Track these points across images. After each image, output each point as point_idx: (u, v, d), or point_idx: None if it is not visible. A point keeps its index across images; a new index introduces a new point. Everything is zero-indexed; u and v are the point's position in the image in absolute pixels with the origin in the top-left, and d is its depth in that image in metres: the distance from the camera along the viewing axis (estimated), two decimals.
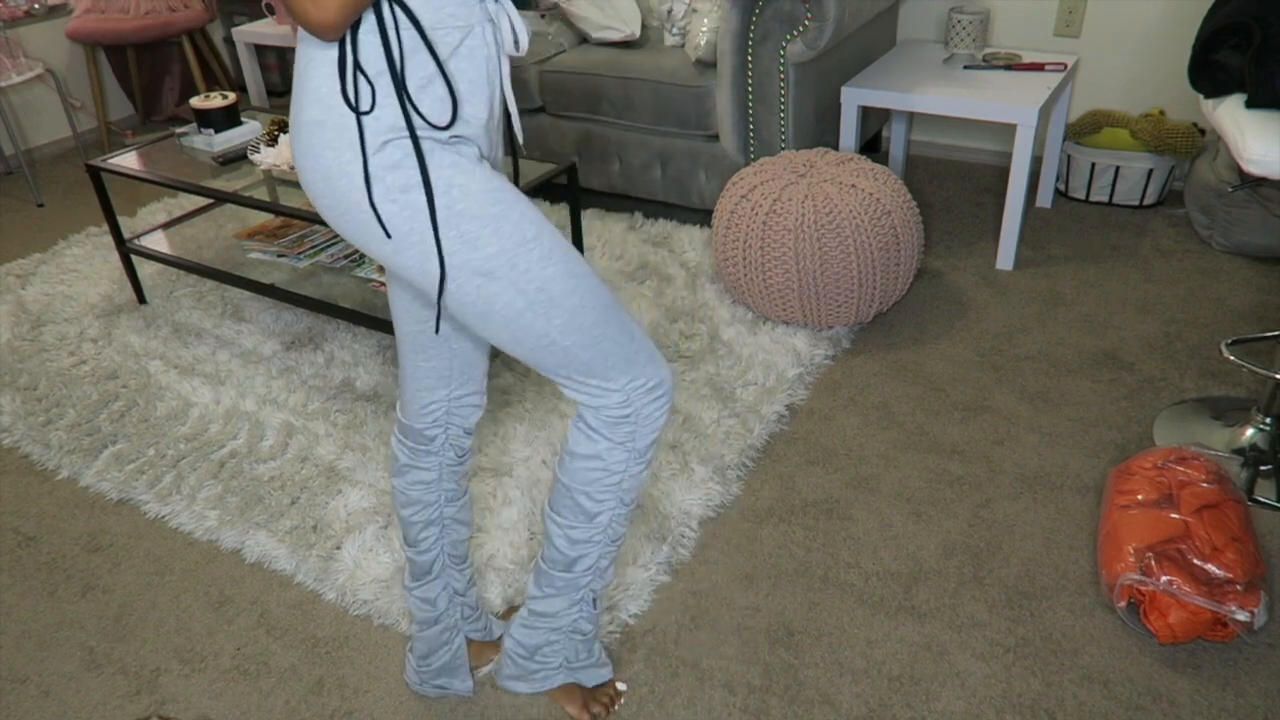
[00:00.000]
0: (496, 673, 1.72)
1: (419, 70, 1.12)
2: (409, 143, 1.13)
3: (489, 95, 1.20)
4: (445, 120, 1.15)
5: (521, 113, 3.42)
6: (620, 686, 1.77)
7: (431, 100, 1.14)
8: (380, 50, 1.10)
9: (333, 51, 1.10)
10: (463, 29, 1.14)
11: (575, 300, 1.26)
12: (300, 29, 1.11)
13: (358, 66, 1.10)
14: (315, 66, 1.12)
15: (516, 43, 1.23)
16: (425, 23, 1.11)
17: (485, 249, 1.19)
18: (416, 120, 1.13)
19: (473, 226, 1.18)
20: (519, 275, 1.22)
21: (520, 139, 1.35)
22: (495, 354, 2.72)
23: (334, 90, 1.11)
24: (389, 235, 1.17)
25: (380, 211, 1.16)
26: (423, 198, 1.16)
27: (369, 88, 1.11)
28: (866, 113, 3.38)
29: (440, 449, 1.56)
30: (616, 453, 1.40)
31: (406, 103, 1.12)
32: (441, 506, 1.62)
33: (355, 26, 1.09)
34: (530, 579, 1.58)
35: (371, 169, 1.14)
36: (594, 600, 1.59)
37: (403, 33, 1.10)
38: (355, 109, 1.11)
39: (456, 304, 1.24)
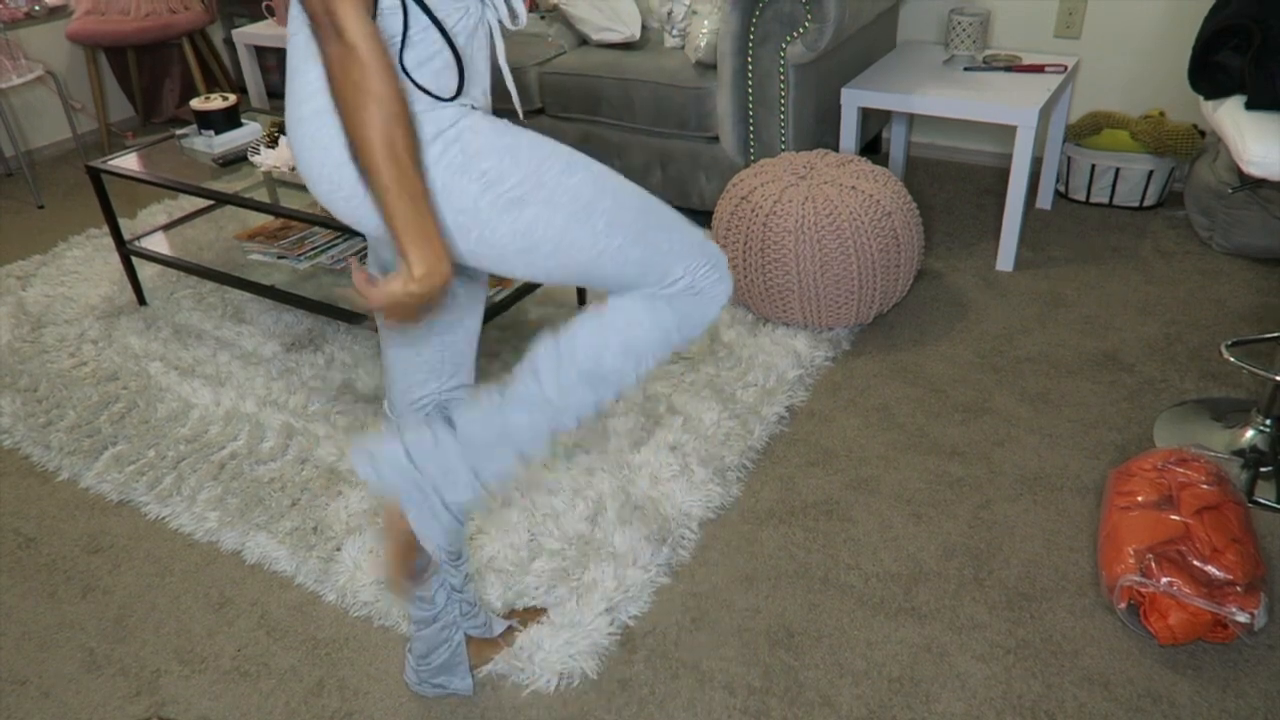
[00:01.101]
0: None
1: (427, 47, 1.14)
2: (419, 116, 1.14)
3: (486, 72, 1.24)
4: (451, 91, 1.16)
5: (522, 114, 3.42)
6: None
7: (434, 73, 1.15)
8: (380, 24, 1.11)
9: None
10: (461, 8, 1.16)
11: (610, 200, 1.23)
12: (295, 24, 1.11)
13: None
14: (309, 56, 1.12)
15: (515, 16, 1.24)
16: (429, 1, 1.12)
17: (509, 179, 1.18)
18: (424, 96, 1.14)
19: (490, 162, 1.17)
20: (548, 192, 1.19)
21: (520, 111, 1.38)
22: (492, 353, 2.72)
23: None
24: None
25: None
26: (439, 153, 1.15)
27: None
28: (867, 114, 3.38)
29: None
30: (665, 313, 1.29)
31: (411, 80, 1.14)
32: None
33: None
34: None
35: None
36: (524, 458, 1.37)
37: (410, 14, 1.11)
38: None
39: (496, 253, 1.20)
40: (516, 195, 1.18)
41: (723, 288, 1.31)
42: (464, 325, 1.47)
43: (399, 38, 1.12)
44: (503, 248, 1.20)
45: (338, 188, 1.17)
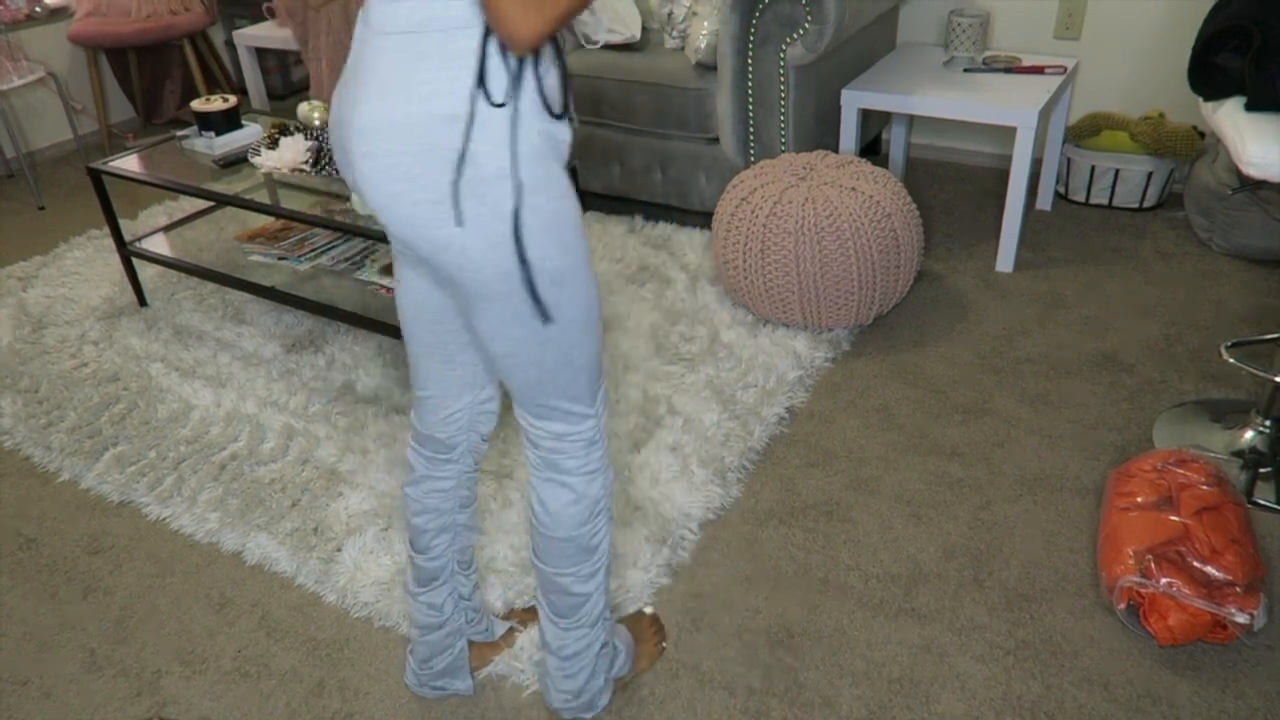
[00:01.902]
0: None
1: (546, 60, 1.14)
2: (538, 138, 1.15)
3: None
4: (559, 108, 1.17)
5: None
6: (648, 610, 1.89)
7: (549, 88, 1.15)
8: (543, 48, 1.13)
9: (457, 42, 1.08)
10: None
11: (597, 323, 1.33)
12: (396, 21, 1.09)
13: (490, 52, 1.10)
14: (430, 59, 1.09)
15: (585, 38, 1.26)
16: None
17: (569, 256, 1.23)
18: (544, 112, 1.14)
19: (562, 233, 1.21)
20: (579, 289, 1.26)
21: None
22: None
23: (463, 86, 1.09)
24: (460, 223, 1.15)
25: (467, 202, 1.15)
26: (548, 199, 1.17)
27: (503, 76, 1.10)
28: (866, 115, 3.38)
29: (460, 456, 1.56)
30: (595, 481, 1.45)
31: (542, 93, 1.13)
32: (455, 513, 1.61)
33: None
34: (545, 631, 1.58)
35: (495, 157, 1.13)
36: (609, 607, 1.60)
37: None
38: (490, 99, 1.10)
39: (513, 305, 1.22)
40: (562, 275, 1.23)
41: (606, 415, 1.46)
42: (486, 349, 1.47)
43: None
44: (520, 304, 1.23)
45: (433, 187, 1.13)
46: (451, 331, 1.42)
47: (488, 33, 1.08)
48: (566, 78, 1.18)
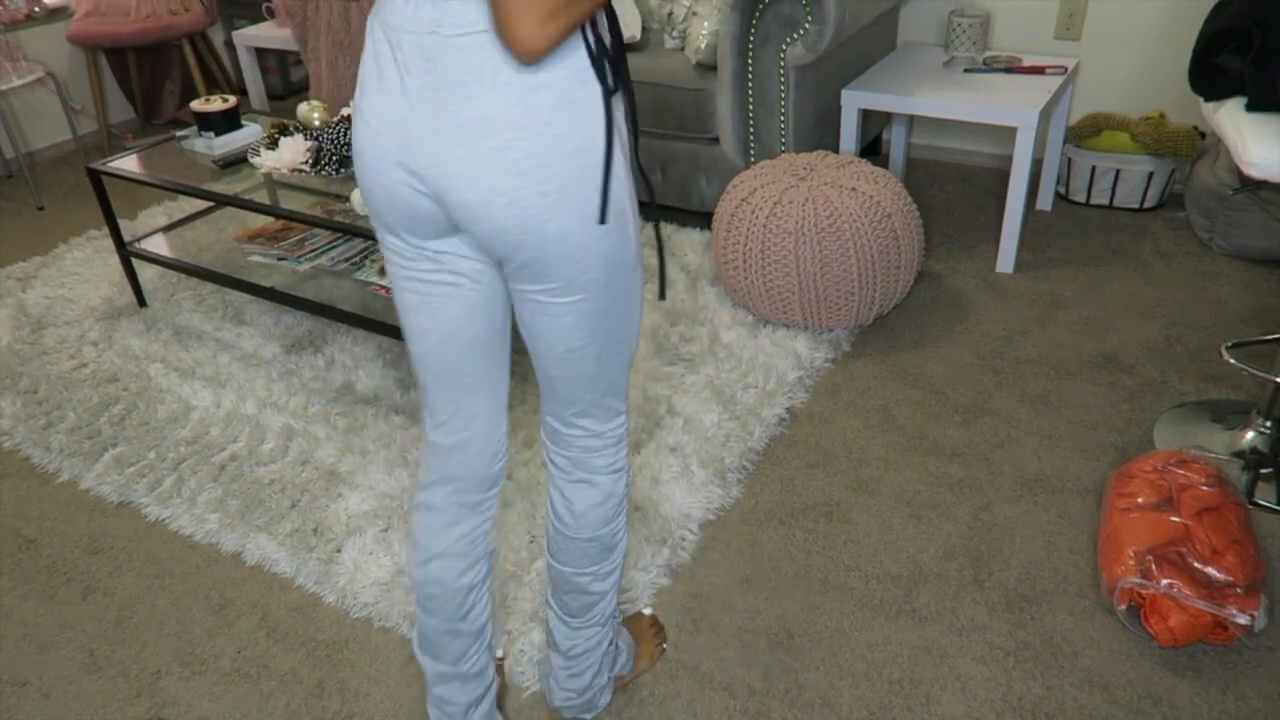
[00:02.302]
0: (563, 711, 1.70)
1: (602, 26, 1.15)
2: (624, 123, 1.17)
3: None
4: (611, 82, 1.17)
5: None
6: (646, 611, 1.87)
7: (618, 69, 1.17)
8: (606, 20, 1.14)
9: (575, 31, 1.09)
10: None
11: (640, 303, 1.34)
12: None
13: (600, 38, 1.11)
14: (485, 90, 1.09)
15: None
16: None
17: (635, 244, 1.26)
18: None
19: (635, 219, 1.24)
20: (633, 270, 1.27)
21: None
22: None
23: (583, 67, 1.10)
24: (604, 218, 1.17)
25: (610, 189, 1.16)
26: (627, 178, 1.19)
27: (606, 61, 1.11)
28: (867, 116, 3.38)
29: (501, 486, 1.48)
30: (620, 480, 1.45)
31: (621, 76, 1.15)
32: (491, 550, 1.52)
33: None
34: (555, 632, 1.58)
35: (615, 141, 1.15)
36: (618, 606, 1.61)
37: None
38: (607, 85, 1.11)
39: (608, 297, 1.25)
40: (629, 259, 1.25)
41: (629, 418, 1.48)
42: (508, 339, 1.42)
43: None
44: (615, 295, 1.26)
45: (549, 179, 1.12)
46: (501, 349, 1.37)
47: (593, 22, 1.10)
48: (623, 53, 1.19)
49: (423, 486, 1.45)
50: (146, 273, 3.31)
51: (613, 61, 1.13)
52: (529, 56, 1.01)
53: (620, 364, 1.35)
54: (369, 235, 2.42)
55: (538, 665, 1.80)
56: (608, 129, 1.13)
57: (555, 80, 1.08)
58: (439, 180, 1.13)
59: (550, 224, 1.15)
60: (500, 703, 1.73)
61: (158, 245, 3.11)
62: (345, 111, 2.92)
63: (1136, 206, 3.35)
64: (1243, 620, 1.70)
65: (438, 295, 1.28)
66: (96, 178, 2.91)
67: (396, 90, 1.12)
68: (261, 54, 4.76)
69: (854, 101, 3.08)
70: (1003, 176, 3.70)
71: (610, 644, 1.62)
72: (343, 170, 2.68)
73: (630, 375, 1.41)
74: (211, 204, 3.32)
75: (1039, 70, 3.10)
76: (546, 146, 1.10)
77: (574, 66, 1.09)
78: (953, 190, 3.61)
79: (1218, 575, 1.74)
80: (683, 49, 3.32)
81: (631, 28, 3.35)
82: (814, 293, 2.59)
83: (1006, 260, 3.02)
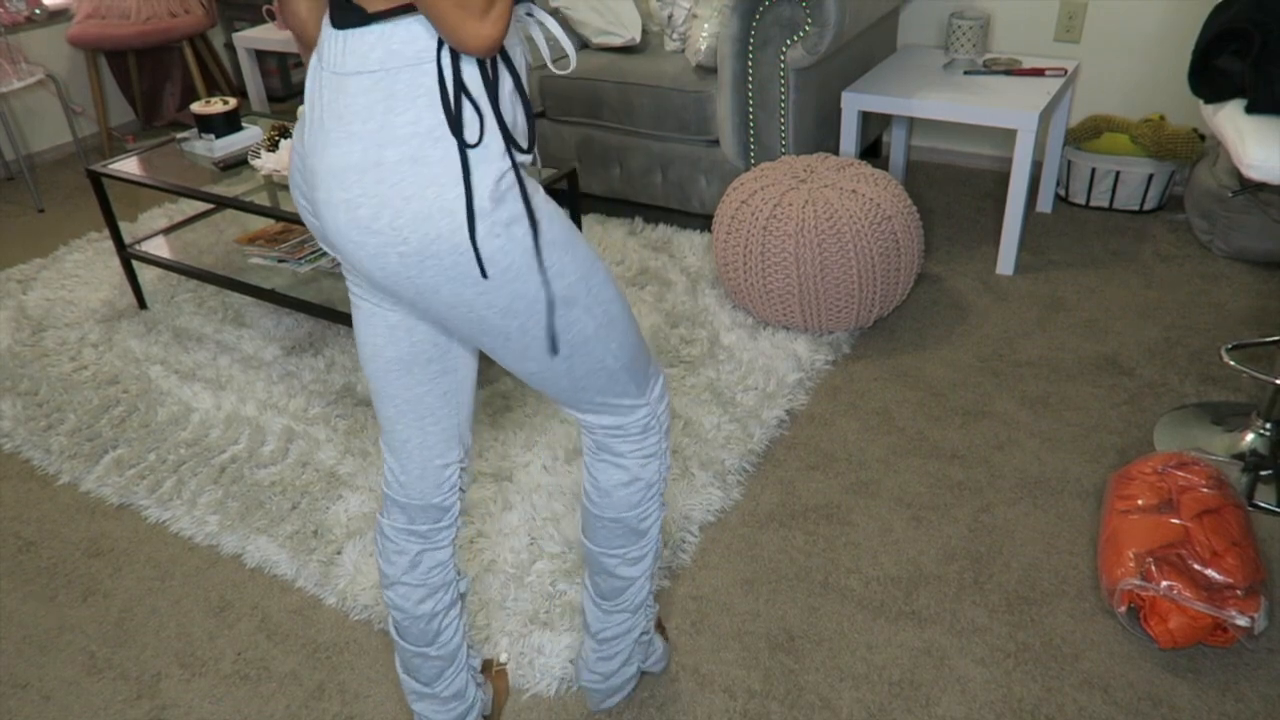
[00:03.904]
0: (586, 698, 1.71)
1: (504, 90, 1.08)
2: (513, 173, 1.08)
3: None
4: (526, 142, 1.12)
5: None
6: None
7: (512, 122, 1.10)
8: (477, 71, 1.04)
9: (429, 78, 1.02)
10: (515, 45, 1.11)
11: (625, 320, 1.29)
12: (315, 54, 1.08)
13: (463, 90, 1.03)
14: (404, 98, 1.03)
15: (555, 57, 1.23)
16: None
17: (568, 276, 1.17)
18: (503, 141, 1.08)
19: (558, 255, 1.15)
20: (592, 299, 1.21)
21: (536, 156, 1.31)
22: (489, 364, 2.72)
23: (436, 122, 1.03)
24: (485, 274, 1.10)
25: (482, 249, 1.08)
26: (525, 230, 1.10)
27: (475, 114, 1.04)
28: (867, 118, 3.38)
29: (455, 516, 1.45)
30: (651, 465, 1.42)
31: (506, 127, 1.07)
32: (458, 579, 1.50)
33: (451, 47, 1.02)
34: (588, 614, 1.58)
35: (477, 204, 1.06)
36: (653, 595, 1.61)
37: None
38: (464, 141, 1.04)
39: (520, 344, 1.19)
40: (570, 294, 1.18)
41: (667, 406, 1.43)
42: (470, 378, 1.39)
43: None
44: (535, 334, 1.19)
45: (403, 241, 1.07)
46: (436, 378, 1.33)
47: (452, 65, 1.03)
48: (530, 112, 1.13)
49: (380, 512, 1.45)
50: (147, 275, 3.31)
51: (495, 106, 1.06)
52: (488, 52, 0.99)
53: (606, 375, 1.30)
54: None
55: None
56: (467, 192, 1.05)
57: (406, 135, 1.03)
58: (319, 219, 1.13)
59: (419, 280, 1.11)
60: (498, 711, 1.73)
61: (158, 247, 3.11)
62: None
63: (1136, 209, 3.35)
64: (1242, 622, 1.70)
65: (363, 311, 1.29)
66: (97, 180, 2.91)
67: (309, 122, 1.12)
68: (262, 56, 4.76)
69: (854, 104, 3.08)
70: (1003, 179, 3.70)
71: (643, 634, 1.62)
72: None
73: (647, 364, 1.38)
74: (212, 206, 3.33)
75: (1039, 72, 3.11)
76: (395, 207, 1.05)
77: (427, 121, 1.03)
78: (953, 192, 3.61)
79: (1217, 577, 1.74)
80: (683, 51, 3.33)
81: (631, 30, 3.35)
82: (814, 295, 2.59)
83: (1006, 262, 3.02)
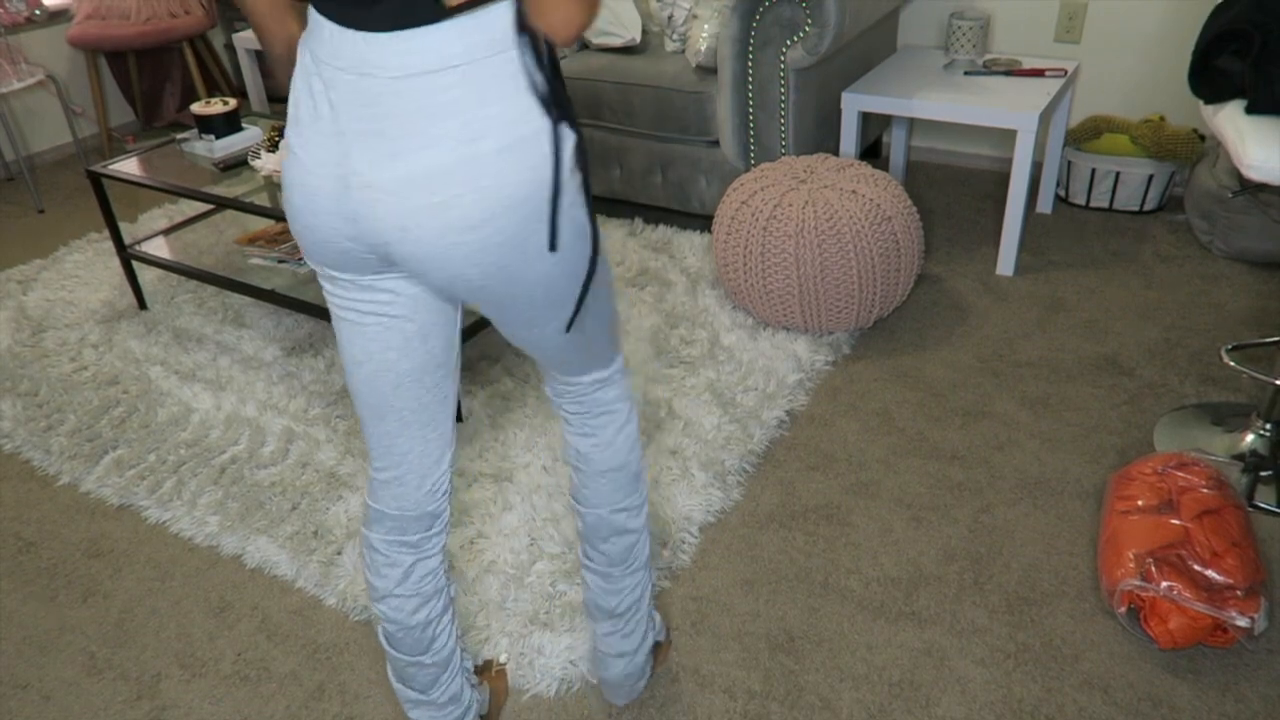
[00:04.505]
0: (614, 695, 1.70)
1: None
2: (582, 141, 1.13)
3: None
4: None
5: None
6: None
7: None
8: (546, 50, 1.07)
9: (512, 64, 1.03)
10: None
11: (611, 274, 1.40)
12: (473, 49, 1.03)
13: (554, 68, 1.06)
14: (493, 87, 1.03)
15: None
16: None
17: (593, 237, 1.24)
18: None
19: (585, 223, 1.20)
20: (602, 258, 1.28)
21: None
22: (489, 365, 2.72)
23: (527, 105, 1.04)
24: (555, 247, 1.12)
25: (562, 219, 1.12)
26: (584, 195, 1.16)
27: (550, 89, 1.06)
28: (867, 118, 3.38)
29: (445, 522, 1.43)
30: (631, 407, 1.50)
31: (569, 100, 1.13)
32: (449, 585, 1.48)
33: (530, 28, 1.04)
34: (598, 598, 1.58)
35: (563, 178, 1.09)
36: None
37: None
38: (556, 118, 1.06)
39: (565, 307, 1.23)
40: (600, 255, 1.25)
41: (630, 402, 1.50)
42: (454, 373, 1.37)
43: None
44: (569, 303, 1.23)
45: (498, 231, 1.08)
46: (441, 383, 1.32)
47: (532, 46, 1.04)
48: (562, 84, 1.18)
49: (364, 523, 1.42)
50: (147, 275, 3.31)
51: (557, 89, 1.09)
52: (577, 37, 1.01)
53: (605, 330, 1.37)
54: None
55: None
56: (555, 167, 1.08)
57: (500, 124, 1.03)
58: (381, 233, 1.09)
59: (509, 268, 1.12)
60: (496, 711, 1.73)
61: (158, 248, 3.11)
62: None
63: (1136, 209, 3.35)
64: (1242, 623, 1.70)
65: (371, 327, 1.24)
66: (97, 180, 2.91)
67: (330, 130, 1.07)
68: (262, 57, 4.76)
69: (854, 104, 3.08)
70: (1003, 179, 3.70)
71: (651, 593, 1.65)
72: None
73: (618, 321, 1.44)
74: (212, 207, 3.32)
75: (1039, 73, 3.11)
76: (494, 197, 1.05)
77: (518, 106, 1.04)
78: (953, 193, 3.61)
79: (1217, 578, 1.74)
80: (683, 52, 3.33)
81: (631, 30, 3.35)
82: (814, 295, 2.59)
83: (1006, 263, 3.02)
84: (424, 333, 1.26)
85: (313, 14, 1.07)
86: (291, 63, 1.27)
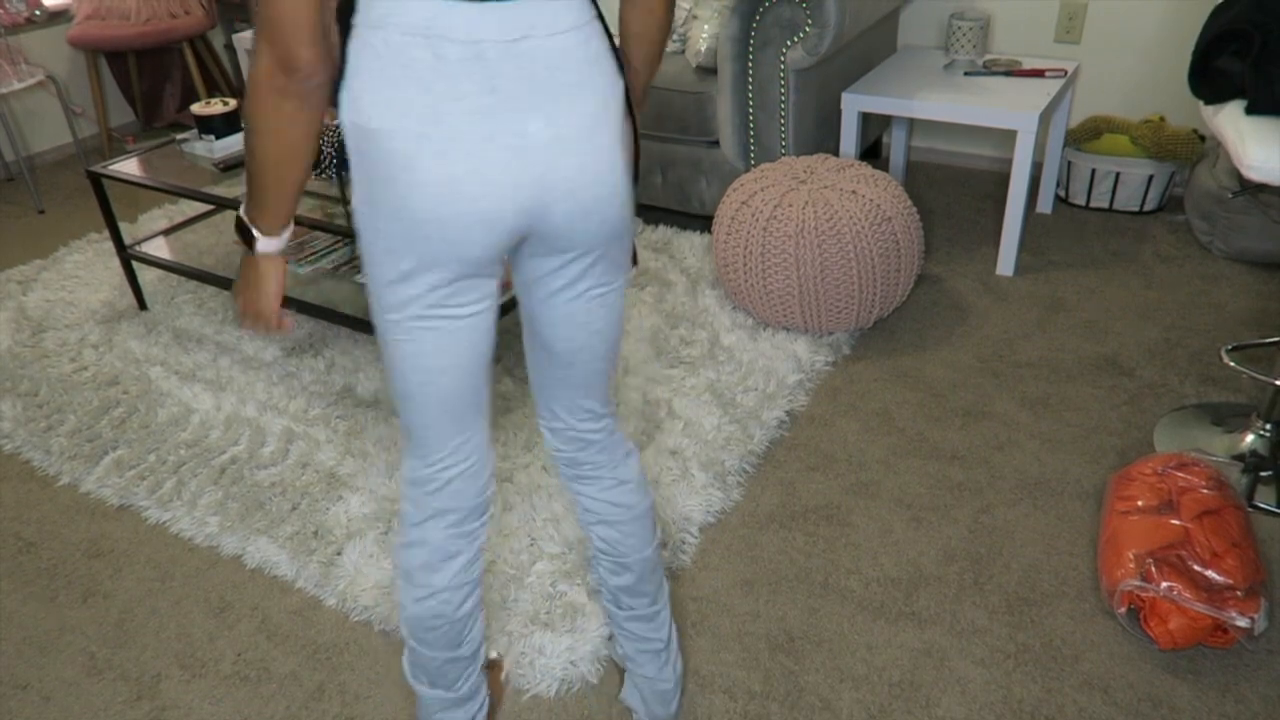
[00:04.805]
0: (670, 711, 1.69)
1: None
2: None
3: None
4: None
5: None
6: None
7: None
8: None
9: (601, 23, 1.15)
10: None
11: None
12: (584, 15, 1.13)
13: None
14: (600, 45, 1.14)
15: None
16: None
17: None
18: None
19: None
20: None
21: None
22: (494, 359, 2.72)
23: (615, 61, 1.17)
24: (637, 179, 1.28)
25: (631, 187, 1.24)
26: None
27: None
28: (867, 119, 3.38)
29: (490, 505, 1.43)
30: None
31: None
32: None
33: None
34: (646, 634, 1.58)
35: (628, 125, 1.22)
36: None
37: None
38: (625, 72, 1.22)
39: (623, 263, 1.30)
40: None
41: None
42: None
43: None
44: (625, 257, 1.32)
45: (623, 170, 1.20)
46: (488, 367, 1.32)
47: (596, 11, 1.15)
48: None
49: (414, 524, 1.38)
50: (147, 276, 3.31)
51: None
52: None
53: (619, 330, 1.42)
54: None
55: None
56: (632, 115, 1.24)
57: (610, 79, 1.14)
58: (558, 185, 1.12)
59: (624, 213, 1.22)
60: (494, 709, 1.73)
61: (158, 248, 3.11)
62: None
63: (1136, 209, 3.35)
64: (1242, 623, 1.70)
65: (463, 327, 1.22)
66: (97, 181, 2.91)
67: (479, 106, 1.06)
68: None
69: (854, 104, 3.08)
70: (1003, 179, 3.70)
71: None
72: (344, 173, 2.68)
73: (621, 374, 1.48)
74: (212, 207, 3.33)
75: (1039, 73, 3.11)
76: (620, 145, 1.18)
77: (613, 62, 1.16)
78: (953, 193, 3.61)
79: (1217, 578, 1.74)
80: (683, 52, 3.33)
81: None
82: (814, 296, 2.59)
83: (1007, 263, 3.02)
84: (494, 312, 1.26)
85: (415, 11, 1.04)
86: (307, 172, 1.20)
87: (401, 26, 1.03)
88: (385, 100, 1.05)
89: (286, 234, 1.21)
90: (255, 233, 1.18)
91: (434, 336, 1.21)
